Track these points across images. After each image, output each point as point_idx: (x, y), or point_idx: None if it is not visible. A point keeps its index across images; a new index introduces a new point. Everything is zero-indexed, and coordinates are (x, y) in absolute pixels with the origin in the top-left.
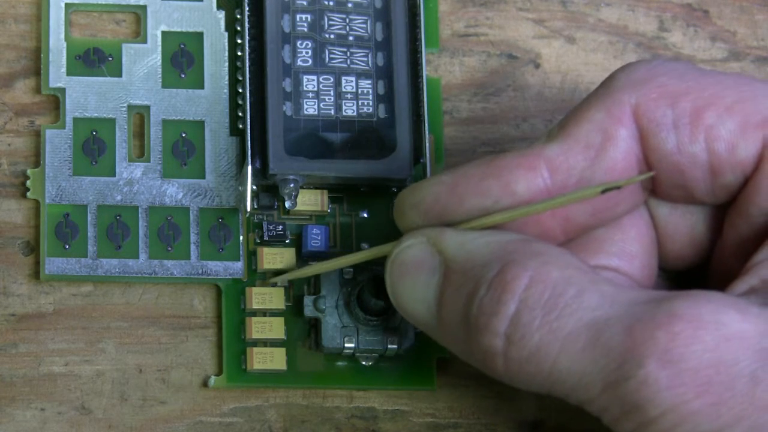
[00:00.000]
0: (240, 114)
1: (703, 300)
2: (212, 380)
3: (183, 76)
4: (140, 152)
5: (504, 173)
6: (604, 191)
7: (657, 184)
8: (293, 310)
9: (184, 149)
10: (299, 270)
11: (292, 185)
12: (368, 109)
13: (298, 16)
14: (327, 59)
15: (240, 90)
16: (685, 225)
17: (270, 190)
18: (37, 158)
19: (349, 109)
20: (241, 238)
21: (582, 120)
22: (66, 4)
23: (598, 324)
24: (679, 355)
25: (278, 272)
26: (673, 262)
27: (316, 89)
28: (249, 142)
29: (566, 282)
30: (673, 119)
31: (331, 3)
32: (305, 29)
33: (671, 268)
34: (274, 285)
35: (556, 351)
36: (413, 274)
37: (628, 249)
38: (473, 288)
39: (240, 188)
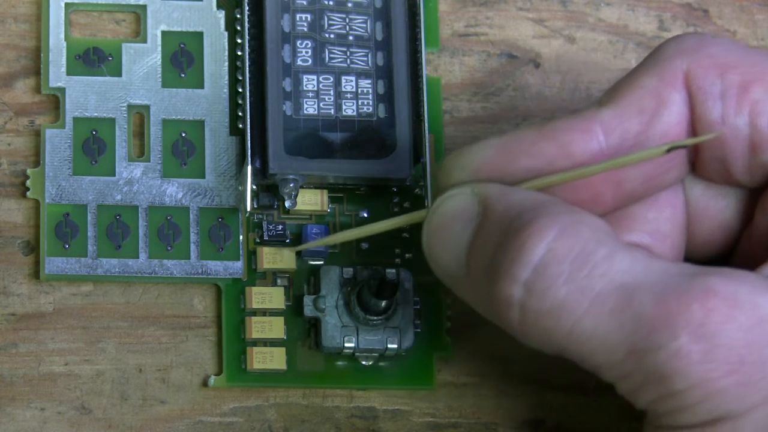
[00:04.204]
0: (240, 113)
1: (739, 279)
2: (212, 380)
3: (183, 75)
4: (140, 152)
5: (559, 135)
6: (669, 150)
7: (698, 156)
8: (293, 310)
9: (183, 149)
10: (327, 238)
11: (291, 185)
12: (368, 109)
13: (297, 16)
14: (327, 59)
15: (240, 90)
16: (716, 208)
17: (270, 189)
18: (37, 158)
19: (349, 109)
20: (241, 237)
21: (634, 86)
22: (66, 4)
23: (629, 288)
24: (713, 332)
25: (278, 272)
26: (698, 248)
27: (315, 89)
28: (249, 142)
29: (597, 241)
30: (721, 89)
31: (331, 3)
32: (305, 29)
33: (694, 257)
34: (299, 253)
35: (582, 310)
36: (451, 223)
37: (662, 228)
38: (502, 235)
39: (240, 188)
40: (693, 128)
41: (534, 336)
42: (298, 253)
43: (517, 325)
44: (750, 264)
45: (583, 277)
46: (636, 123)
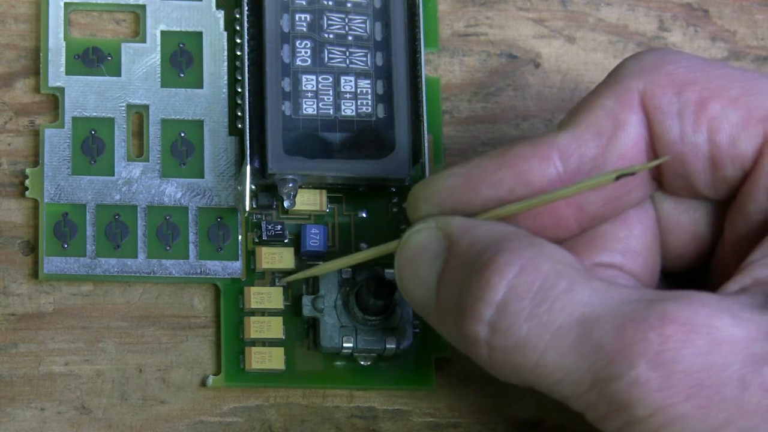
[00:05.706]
0: (239, 113)
1: (696, 303)
2: (210, 380)
3: (182, 75)
4: (139, 152)
5: (517, 163)
6: (618, 177)
7: (662, 174)
8: (292, 310)
9: (183, 149)
10: (309, 270)
11: (290, 185)
12: (367, 109)
13: (297, 16)
14: (326, 59)
15: (239, 89)
16: (687, 221)
17: (269, 189)
18: (36, 158)
19: (348, 109)
20: (240, 237)
21: (592, 107)
22: (65, 4)
23: (588, 320)
24: (671, 358)
25: (277, 272)
26: (674, 261)
27: (315, 89)
28: (248, 142)
29: (557, 274)
30: (678, 108)
31: (331, 3)
32: (304, 29)
33: (672, 269)
34: (286, 285)
35: (545, 344)
36: (419, 257)
37: (633, 246)
38: (467, 272)
39: (239, 188)
40: (653, 147)
41: (503, 371)
42: (297, 255)
43: (486, 361)
44: (725, 273)
45: (543, 312)
46: (593, 146)
